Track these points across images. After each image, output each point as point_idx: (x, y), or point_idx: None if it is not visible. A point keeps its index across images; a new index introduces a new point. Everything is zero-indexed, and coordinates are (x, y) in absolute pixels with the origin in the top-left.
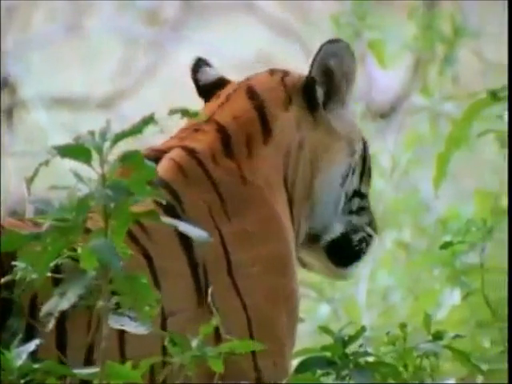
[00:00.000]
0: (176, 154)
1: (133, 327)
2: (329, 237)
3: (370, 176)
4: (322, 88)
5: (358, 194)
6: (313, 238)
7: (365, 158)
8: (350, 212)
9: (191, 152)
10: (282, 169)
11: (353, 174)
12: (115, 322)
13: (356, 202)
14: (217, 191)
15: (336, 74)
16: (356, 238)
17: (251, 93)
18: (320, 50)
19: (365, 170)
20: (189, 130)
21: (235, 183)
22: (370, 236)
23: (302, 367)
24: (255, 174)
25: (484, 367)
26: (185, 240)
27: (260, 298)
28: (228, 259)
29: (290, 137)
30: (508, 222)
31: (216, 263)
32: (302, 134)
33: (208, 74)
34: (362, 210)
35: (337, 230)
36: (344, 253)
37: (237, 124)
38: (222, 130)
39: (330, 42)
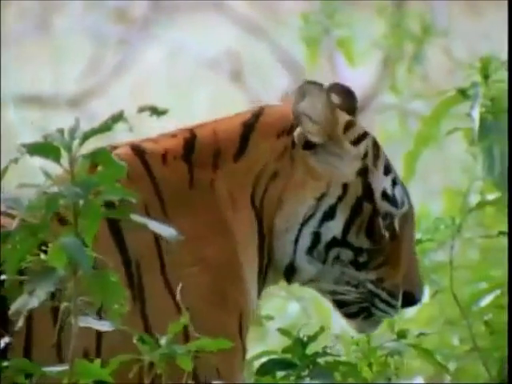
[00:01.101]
0: (122, 151)
1: (99, 324)
2: (301, 277)
3: (374, 232)
4: (300, 129)
5: (343, 243)
6: (285, 274)
7: (360, 210)
8: (337, 261)
9: (139, 151)
10: (250, 190)
11: (328, 218)
12: (81, 321)
13: (339, 253)
14: (157, 190)
15: (307, 116)
16: (353, 293)
17: (247, 122)
18: (296, 91)
19: (354, 220)
20: (167, 135)
21: (181, 185)
22: (377, 296)
23: (263, 369)
24: (215, 182)
25: (453, 365)
26: (117, 236)
27: (197, 300)
28: (162, 258)
29: (264, 163)
30: (508, 222)
31: (149, 261)
32: (281, 166)
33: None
34: (359, 264)
35: (309, 272)
36: (343, 305)
37: (211, 137)
38: (190, 138)
39: (307, 83)
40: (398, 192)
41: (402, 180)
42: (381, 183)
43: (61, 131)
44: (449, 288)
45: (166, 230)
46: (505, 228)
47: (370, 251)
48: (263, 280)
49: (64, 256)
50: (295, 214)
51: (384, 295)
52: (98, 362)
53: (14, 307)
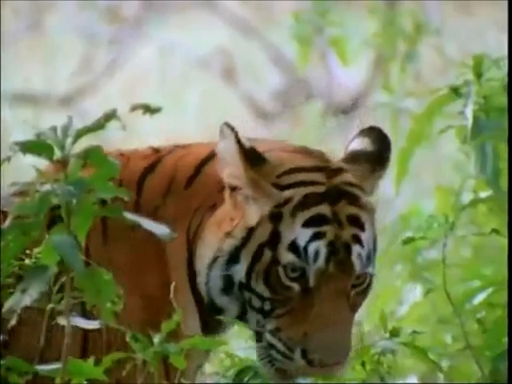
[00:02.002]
0: None
1: (83, 323)
2: (229, 316)
3: (271, 281)
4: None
5: (248, 288)
6: (213, 312)
7: (260, 256)
8: (252, 307)
9: None
10: (189, 218)
11: (233, 261)
12: (62, 319)
13: (249, 297)
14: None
15: (222, 158)
16: (261, 342)
17: (210, 153)
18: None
19: (254, 266)
20: (142, 153)
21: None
22: (273, 346)
23: (242, 374)
24: (159, 208)
25: (445, 363)
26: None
27: (130, 326)
28: None
29: (206, 195)
30: (508, 221)
31: None
32: (220, 199)
33: None
34: (265, 312)
35: (231, 311)
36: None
37: (174, 162)
38: (155, 162)
39: (224, 124)
40: (314, 247)
41: (395, 178)
42: (292, 234)
43: (54, 129)
44: (441, 286)
45: (158, 229)
46: (497, 226)
47: (273, 300)
48: (208, 311)
49: (56, 254)
50: (203, 255)
51: (280, 346)
52: (90, 360)
53: (7, 306)
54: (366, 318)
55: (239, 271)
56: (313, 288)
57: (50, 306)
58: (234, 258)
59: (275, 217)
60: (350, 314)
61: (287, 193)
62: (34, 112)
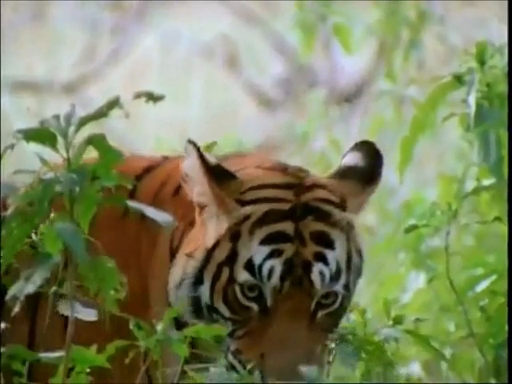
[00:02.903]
0: None
1: (82, 313)
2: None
3: (229, 300)
4: None
5: (212, 309)
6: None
7: (219, 275)
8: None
9: None
10: (170, 234)
11: (197, 282)
12: (64, 309)
13: (216, 318)
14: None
15: (188, 175)
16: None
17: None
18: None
19: (215, 286)
20: (149, 159)
21: (115, 211)
22: (234, 368)
23: None
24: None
25: (448, 351)
26: None
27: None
28: None
29: (188, 209)
30: (508, 219)
31: None
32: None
33: None
34: (230, 332)
35: None
36: None
37: (168, 170)
38: (156, 163)
39: (187, 142)
40: (269, 265)
41: (398, 166)
42: (249, 252)
43: (57, 117)
44: (444, 274)
45: (160, 216)
46: (500, 214)
47: (234, 321)
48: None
49: (59, 242)
50: (174, 276)
51: (240, 368)
52: (94, 347)
53: (10, 293)
54: (369, 306)
55: (204, 292)
56: (270, 308)
57: (53, 289)
58: (198, 279)
59: (234, 235)
60: (311, 335)
61: (247, 209)
62: (36, 100)
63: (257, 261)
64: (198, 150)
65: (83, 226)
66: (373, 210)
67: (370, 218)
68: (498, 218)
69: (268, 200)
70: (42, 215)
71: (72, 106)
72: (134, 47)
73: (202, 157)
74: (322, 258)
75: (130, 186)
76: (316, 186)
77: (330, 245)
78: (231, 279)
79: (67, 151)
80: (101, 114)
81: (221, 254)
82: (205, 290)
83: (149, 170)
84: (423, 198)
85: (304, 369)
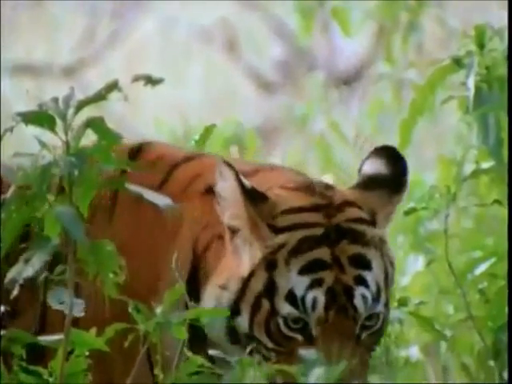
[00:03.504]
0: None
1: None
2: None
3: (272, 333)
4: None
5: (252, 338)
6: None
7: (259, 307)
8: (258, 353)
9: None
10: (197, 228)
11: (234, 313)
12: (54, 299)
13: (256, 346)
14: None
15: (222, 198)
16: None
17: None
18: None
19: (254, 317)
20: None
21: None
22: None
23: None
24: (184, 209)
25: (448, 333)
26: None
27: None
28: None
29: (216, 217)
30: (508, 217)
31: None
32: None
33: None
34: (269, 359)
35: (235, 354)
36: None
37: (206, 163)
38: (196, 155)
39: (221, 163)
40: (312, 296)
41: (398, 148)
42: (289, 282)
43: (55, 100)
44: (443, 257)
45: (160, 200)
46: (499, 197)
47: (277, 352)
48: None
49: (58, 226)
50: (205, 305)
51: None
52: (93, 330)
53: (9, 276)
54: None
55: (242, 322)
56: (316, 336)
57: (45, 274)
58: (234, 310)
59: (270, 264)
60: (356, 356)
61: (281, 237)
62: (35, 83)
63: (298, 292)
64: (236, 172)
65: (82, 209)
66: None
67: None
68: (497, 201)
69: (300, 226)
70: (40, 198)
71: (71, 89)
72: (133, 31)
73: (239, 179)
74: (363, 282)
75: (128, 170)
76: (345, 204)
77: (367, 266)
78: (273, 311)
79: (66, 134)
80: (99, 97)
81: (258, 285)
82: (243, 321)
83: (187, 159)
84: (422, 180)
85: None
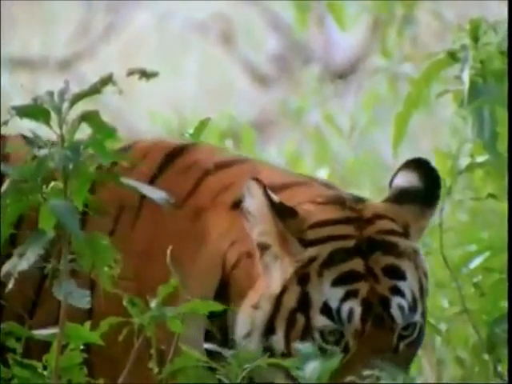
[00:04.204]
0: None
1: (75, 300)
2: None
3: None
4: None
5: (289, 356)
6: None
7: (294, 322)
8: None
9: None
10: (225, 244)
11: (268, 332)
12: (58, 291)
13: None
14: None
15: (251, 214)
16: None
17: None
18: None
19: (290, 333)
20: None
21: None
22: None
23: None
24: (204, 213)
25: (443, 327)
26: None
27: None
28: None
29: (244, 232)
30: (508, 216)
31: None
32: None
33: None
34: None
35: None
36: None
37: (237, 172)
38: (233, 161)
39: (250, 180)
40: (348, 307)
41: (392, 142)
42: (323, 295)
43: (50, 94)
44: (438, 250)
45: (156, 194)
46: (494, 190)
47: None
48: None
49: (53, 219)
50: (239, 326)
51: None
52: (87, 324)
53: (4, 270)
54: None
55: (278, 341)
56: (352, 348)
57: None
58: (268, 329)
59: (302, 278)
60: (394, 367)
61: (312, 250)
62: (31, 76)
63: (333, 304)
64: (264, 187)
65: (77, 202)
66: (367, 186)
67: (364, 194)
68: (492, 195)
69: (331, 238)
70: (35, 192)
71: (66, 83)
72: (129, 24)
73: (267, 194)
74: (398, 291)
75: (125, 164)
76: (376, 217)
77: (402, 277)
78: (308, 326)
79: (61, 127)
80: (94, 90)
81: (291, 300)
82: (278, 339)
83: (219, 167)
84: None
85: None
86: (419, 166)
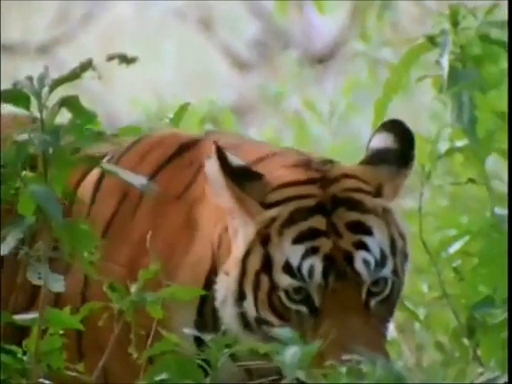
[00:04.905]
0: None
1: (51, 282)
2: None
3: (276, 308)
4: None
5: (261, 321)
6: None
7: (259, 284)
8: (272, 338)
9: None
10: (215, 222)
11: (240, 298)
12: (33, 275)
13: (267, 329)
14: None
15: (210, 178)
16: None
17: None
18: None
19: (257, 296)
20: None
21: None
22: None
23: None
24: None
25: (422, 311)
26: None
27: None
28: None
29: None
30: (508, 214)
31: None
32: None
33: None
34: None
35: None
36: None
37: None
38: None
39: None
40: (308, 264)
41: (372, 127)
42: (284, 253)
43: (30, 79)
44: (418, 235)
45: (136, 180)
46: (474, 175)
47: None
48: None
49: (33, 204)
50: (217, 293)
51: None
52: (67, 309)
53: None
54: None
55: (249, 306)
56: (320, 307)
57: (24, 251)
58: (239, 294)
59: (263, 239)
60: (368, 326)
61: (273, 211)
62: (10, 61)
63: (294, 262)
64: (218, 149)
65: (57, 187)
66: None
67: None
68: (471, 180)
69: (293, 198)
70: (15, 177)
71: (45, 68)
72: (108, 9)
73: (222, 157)
74: (363, 246)
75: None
76: (343, 176)
77: (368, 232)
78: (273, 286)
79: (41, 112)
80: (74, 75)
81: (255, 262)
82: (249, 304)
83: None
84: None
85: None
86: (394, 127)
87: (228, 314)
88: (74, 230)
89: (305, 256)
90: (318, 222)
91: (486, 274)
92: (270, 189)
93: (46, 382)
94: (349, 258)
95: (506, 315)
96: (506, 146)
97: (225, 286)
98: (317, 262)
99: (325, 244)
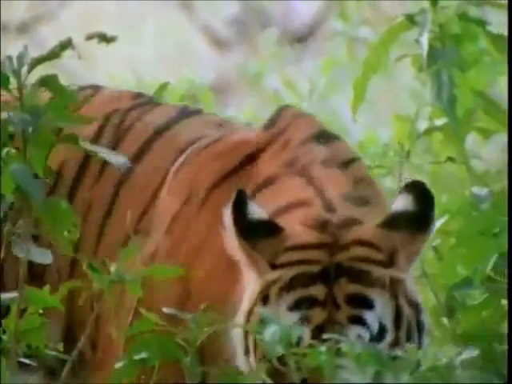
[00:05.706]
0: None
1: (37, 256)
2: None
3: (271, 373)
4: None
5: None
6: None
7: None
8: None
9: None
10: None
11: (245, 352)
12: (19, 250)
13: None
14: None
15: None
16: None
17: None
18: None
19: (256, 357)
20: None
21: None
22: None
23: None
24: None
25: None
26: None
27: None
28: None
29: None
30: (508, 213)
31: None
32: None
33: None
34: None
35: None
36: None
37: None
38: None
39: None
40: (297, 333)
41: (351, 106)
42: (279, 319)
43: (9, 58)
44: None
45: (113, 158)
46: (453, 154)
47: None
48: None
49: (12, 183)
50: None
51: None
52: (46, 288)
53: None
54: None
55: (253, 363)
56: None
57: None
58: (245, 349)
59: (264, 299)
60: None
61: (276, 273)
62: None
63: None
64: (238, 199)
65: (37, 166)
66: None
67: None
68: (450, 158)
69: (297, 263)
70: None
71: (24, 47)
72: None
73: (238, 211)
74: (359, 320)
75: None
76: (355, 242)
77: (368, 305)
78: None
79: (20, 92)
80: (53, 55)
81: (255, 321)
82: (252, 362)
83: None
84: (376, 137)
85: None
86: (414, 188)
87: (240, 361)
88: (54, 208)
89: (300, 324)
90: (318, 290)
91: (464, 254)
92: (284, 248)
93: (26, 360)
94: (341, 333)
95: (485, 296)
96: (484, 124)
97: (236, 333)
98: (305, 333)
99: (318, 315)
